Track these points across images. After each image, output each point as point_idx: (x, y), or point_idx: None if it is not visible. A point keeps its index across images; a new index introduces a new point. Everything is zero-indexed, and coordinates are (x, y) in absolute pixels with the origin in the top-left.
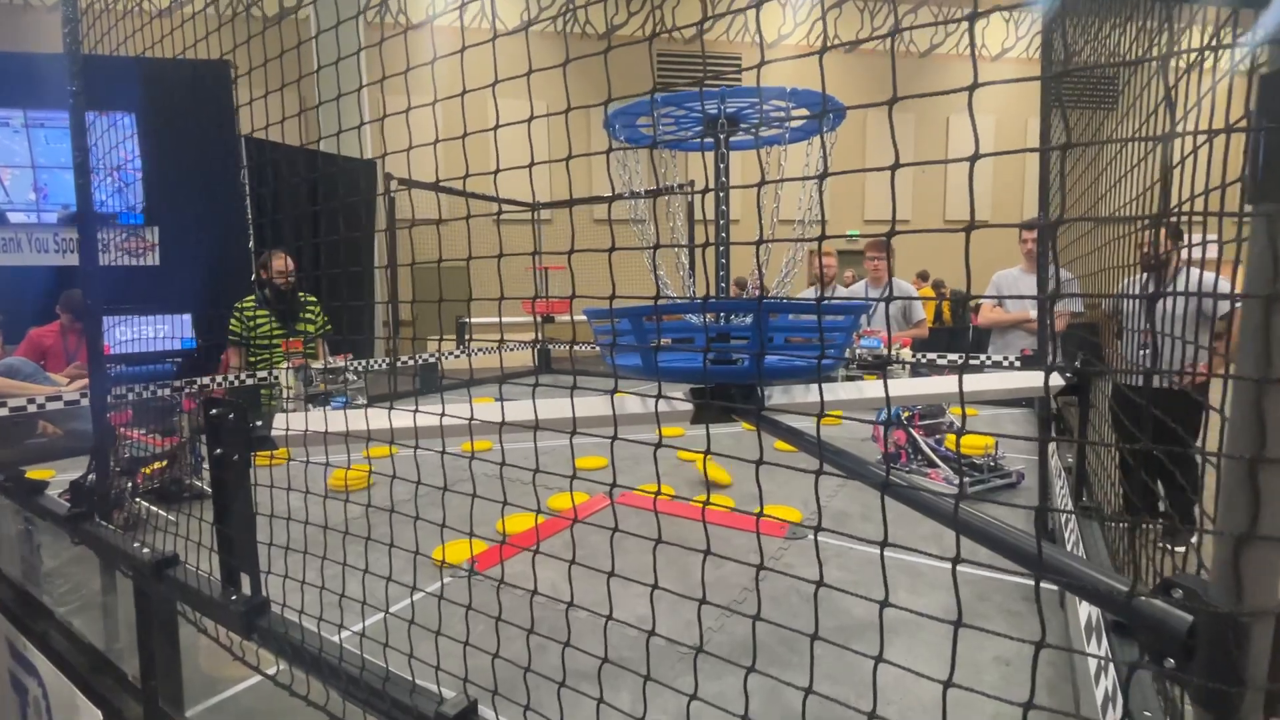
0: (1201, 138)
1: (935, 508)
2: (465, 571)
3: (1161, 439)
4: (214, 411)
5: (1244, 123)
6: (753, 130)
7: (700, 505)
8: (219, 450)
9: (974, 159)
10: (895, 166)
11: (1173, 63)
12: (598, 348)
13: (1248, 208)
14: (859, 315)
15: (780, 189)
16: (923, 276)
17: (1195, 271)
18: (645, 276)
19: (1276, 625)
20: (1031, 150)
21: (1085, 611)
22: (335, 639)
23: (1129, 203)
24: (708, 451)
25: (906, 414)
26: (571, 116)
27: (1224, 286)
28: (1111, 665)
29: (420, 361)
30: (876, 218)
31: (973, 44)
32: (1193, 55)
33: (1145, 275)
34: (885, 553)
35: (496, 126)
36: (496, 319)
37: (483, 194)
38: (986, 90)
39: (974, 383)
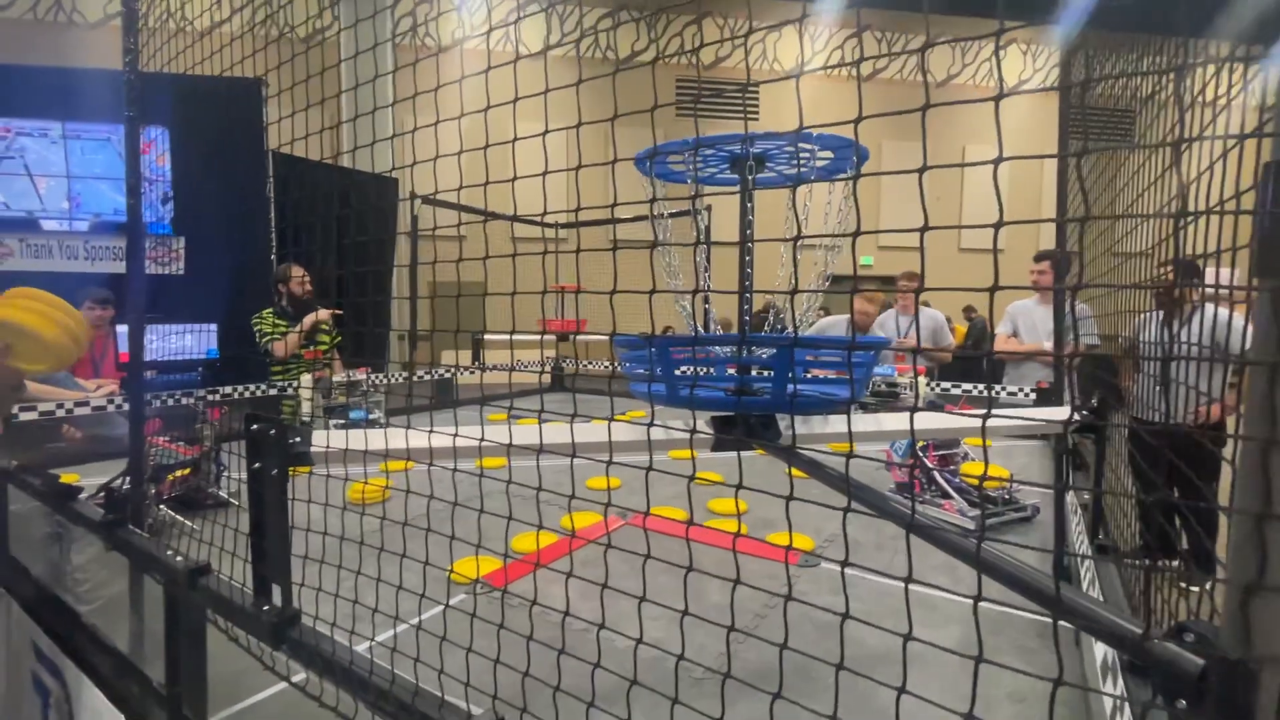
0: (1216, 178)
1: (958, 546)
2: (486, 588)
3: (1178, 478)
4: (255, 427)
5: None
6: (777, 170)
7: (712, 529)
8: (258, 464)
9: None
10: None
11: (1187, 96)
12: (625, 374)
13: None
14: (880, 351)
15: (805, 222)
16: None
17: (1211, 309)
18: (659, 299)
19: None
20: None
21: (1100, 651)
22: (361, 650)
23: (1148, 249)
24: (740, 486)
25: (921, 444)
26: (590, 139)
27: (1240, 324)
28: (1127, 706)
29: (436, 376)
30: (891, 245)
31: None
32: (1209, 93)
33: (1160, 313)
34: (903, 585)
35: (516, 171)
36: (510, 335)
37: (502, 214)
38: (1004, 121)
39: (990, 419)
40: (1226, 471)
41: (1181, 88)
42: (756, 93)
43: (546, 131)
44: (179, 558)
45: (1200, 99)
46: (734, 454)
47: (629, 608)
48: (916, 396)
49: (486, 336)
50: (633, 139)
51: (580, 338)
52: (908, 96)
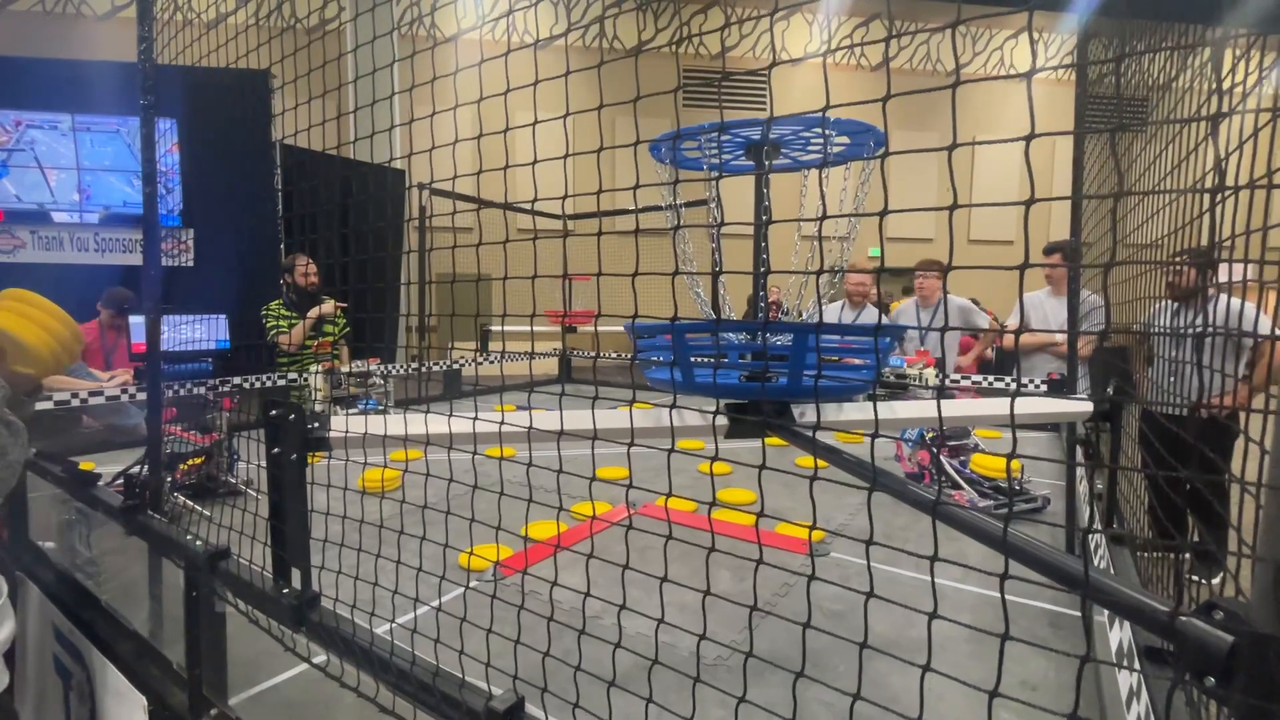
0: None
1: (984, 530)
2: (499, 576)
3: (1194, 464)
4: (274, 413)
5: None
6: (791, 156)
7: (724, 519)
8: (277, 450)
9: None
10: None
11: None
12: (639, 361)
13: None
14: (897, 336)
15: (820, 207)
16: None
17: (1226, 299)
18: (671, 288)
19: None
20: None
21: (1116, 638)
22: (380, 633)
23: (1163, 238)
24: (763, 468)
25: (930, 434)
26: (594, 133)
27: (1254, 312)
28: (1145, 692)
29: (445, 368)
30: (899, 236)
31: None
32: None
33: (1175, 303)
34: (910, 574)
35: (535, 161)
36: (520, 328)
37: (513, 204)
38: (1012, 111)
39: (1002, 406)
40: (1233, 464)
41: (1219, 59)
42: (766, 84)
43: (567, 114)
44: (198, 542)
45: (1229, 80)
46: (744, 443)
47: (637, 595)
48: (942, 384)
49: (494, 328)
50: (641, 129)
51: (587, 329)
52: (918, 86)
